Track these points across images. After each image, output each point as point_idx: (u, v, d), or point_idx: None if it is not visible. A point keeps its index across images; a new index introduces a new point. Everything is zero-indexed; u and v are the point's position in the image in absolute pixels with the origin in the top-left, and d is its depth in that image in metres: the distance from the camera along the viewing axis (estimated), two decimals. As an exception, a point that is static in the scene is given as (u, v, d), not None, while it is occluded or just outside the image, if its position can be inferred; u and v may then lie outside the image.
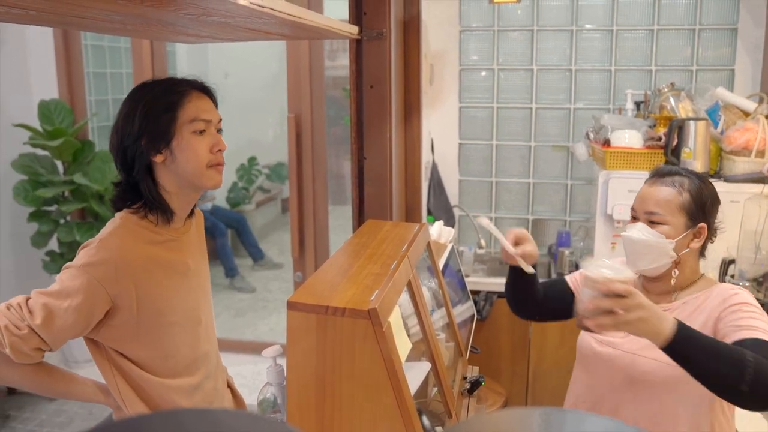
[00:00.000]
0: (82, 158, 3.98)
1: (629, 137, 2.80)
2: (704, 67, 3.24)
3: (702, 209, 1.51)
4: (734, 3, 3.16)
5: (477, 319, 2.89)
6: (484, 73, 3.49)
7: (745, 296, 1.47)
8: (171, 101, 1.41)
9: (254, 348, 4.19)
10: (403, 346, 1.23)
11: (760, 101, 2.85)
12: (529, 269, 1.62)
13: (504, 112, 3.50)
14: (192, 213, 1.60)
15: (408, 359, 1.25)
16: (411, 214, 2.70)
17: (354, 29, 2.04)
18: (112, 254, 1.39)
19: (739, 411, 1.81)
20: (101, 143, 4.35)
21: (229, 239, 5.85)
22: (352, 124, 2.17)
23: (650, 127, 2.86)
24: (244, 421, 0.51)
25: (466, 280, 2.51)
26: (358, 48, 2.12)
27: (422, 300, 1.49)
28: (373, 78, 2.13)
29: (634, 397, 1.54)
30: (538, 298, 1.73)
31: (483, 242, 3.36)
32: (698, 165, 2.65)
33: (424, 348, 1.48)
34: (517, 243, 1.62)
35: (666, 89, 2.99)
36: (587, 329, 1.32)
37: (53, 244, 4.01)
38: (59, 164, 4.01)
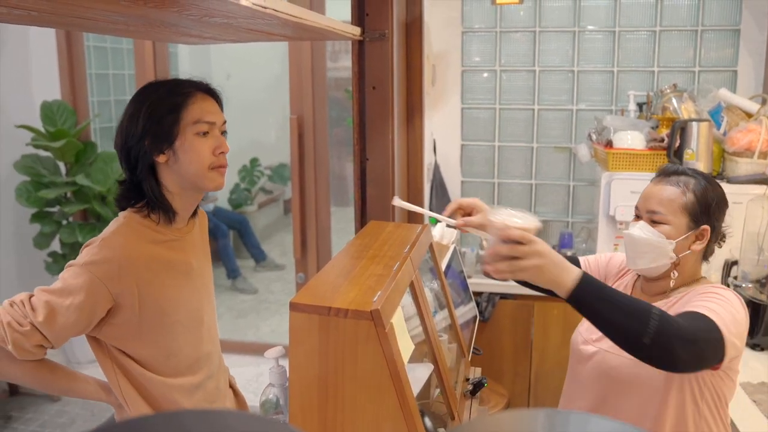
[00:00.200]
0: (85, 159, 3.99)
1: (632, 138, 2.80)
2: (707, 69, 3.23)
3: (706, 211, 1.48)
4: (737, 4, 3.15)
5: (479, 320, 2.89)
6: (486, 74, 3.49)
7: (723, 291, 1.44)
8: (175, 102, 1.42)
9: (256, 349, 4.19)
10: (405, 347, 1.23)
11: (763, 102, 2.84)
12: (483, 234, 1.56)
13: (506, 113, 3.50)
14: (195, 213, 1.60)
15: (410, 360, 1.25)
16: (413, 216, 2.70)
17: (356, 30, 2.04)
18: (115, 253, 1.40)
19: (739, 411, 1.81)
20: (104, 144, 4.35)
21: (231, 240, 5.86)
22: (354, 125, 2.16)
23: (653, 128, 2.85)
24: (247, 422, 0.51)
25: (469, 281, 2.50)
26: (360, 49, 2.12)
27: (425, 301, 1.49)
28: (376, 79, 2.12)
29: (611, 395, 1.53)
30: None
31: (485, 243, 3.36)
32: (701, 166, 2.65)
33: (426, 349, 1.48)
34: (469, 213, 1.57)
35: (669, 90, 2.98)
36: (489, 276, 1.32)
37: (55, 245, 4.02)
38: (62, 165, 4.01)
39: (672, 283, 1.52)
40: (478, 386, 1.71)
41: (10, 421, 3.55)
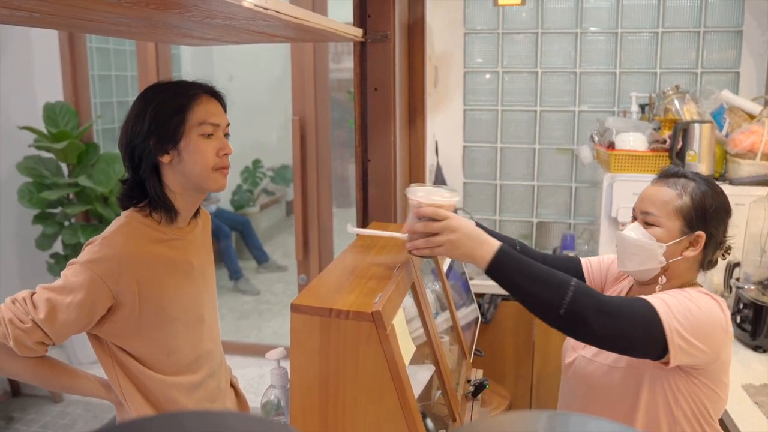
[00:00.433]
0: (87, 161, 3.99)
1: (634, 140, 2.79)
2: (709, 70, 3.23)
3: (702, 216, 1.40)
4: (739, 5, 3.15)
5: (481, 322, 2.88)
6: (488, 76, 3.49)
7: (693, 291, 1.37)
8: (181, 103, 1.44)
9: (258, 350, 4.19)
10: (406, 348, 1.23)
11: (766, 104, 2.84)
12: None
13: (508, 114, 3.50)
14: (197, 213, 1.61)
15: (412, 362, 1.25)
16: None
17: (358, 32, 2.04)
18: (115, 251, 1.41)
19: (739, 412, 1.81)
20: (106, 146, 4.36)
21: (234, 242, 5.86)
22: (356, 126, 2.17)
23: (655, 129, 2.85)
24: (248, 423, 0.51)
25: (470, 282, 2.50)
26: (362, 50, 2.12)
27: (426, 303, 1.49)
28: (378, 80, 2.12)
29: (588, 402, 1.52)
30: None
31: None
32: (703, 168, 2.65)
33: (427, 351, 1.48)
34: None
35: (671, 92, 2.98)
36: (411, 253, 1.34)
37: (58, 247, 4.02)
38: (64, 167, 4.02)
39: (658, 289, 1.44)
40: (479, 388, 1.70)
41: (12, 422, 3.55)
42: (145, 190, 1.48)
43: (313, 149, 3.82)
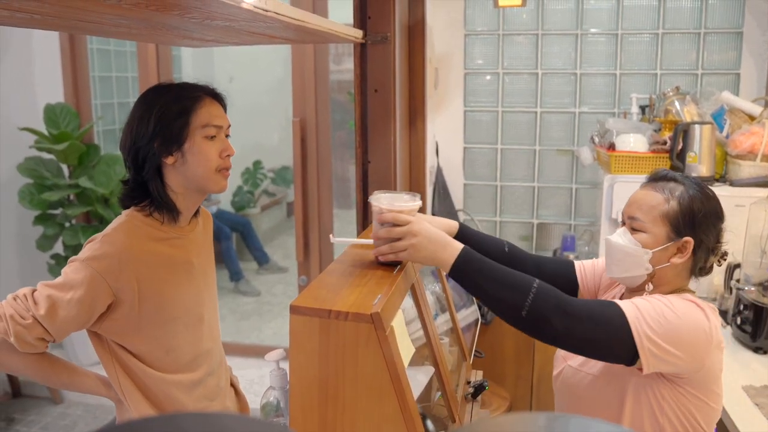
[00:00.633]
0: (88, 162, 4.00)
1: (634, 141, 2.79)
2: (709, 71, 3.23)
3: (690, 222, 1.35)
4: (739, 6, 3.15)
5: (481, 323, 2.88)
6: (489, 77, 3.49)
7: (674, 298, 1.33)
8: (185, 106, 1.46)
9: (258, 351, 4.19)
10: (406, 350, 1.23)
11: (766, 105, 2.84)
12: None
13: (509, 115, 3.50)
14: (198, 213, 1.62)
15: (411, 363, 1.25)
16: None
17: (358, 33, 2.04)
18: (116, 248, 1.42)
19: (739, 413, 1.81)
20: (107, 147, 4.36)
21: (234, 243, 5.86)
22: (356, 127, 2.17)
23: (655, 131, 2.85)
24: (247, 425, 0.51)
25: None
26: (362, 52, 2.12)
27: (426, 304, 1.49)
28: (378, 82, 2.13)
29: (575, 411, 1.49)
30: (528, 268, 1.55)
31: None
32: (703, 169, 2.65)
33: (427, 352, 1.48)
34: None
35: (671, 93, 2.98)
36: (377, 260, 1.36)
37: (58, 248, 4.02)
38: (65, 168, 4.02)
39: (644, 296, 1.38)
40: (479, 389, 1.70)
41: (13, 423, 3.56)
42: (146, 191, 1.49)
43: (313, 150, 3.82)
